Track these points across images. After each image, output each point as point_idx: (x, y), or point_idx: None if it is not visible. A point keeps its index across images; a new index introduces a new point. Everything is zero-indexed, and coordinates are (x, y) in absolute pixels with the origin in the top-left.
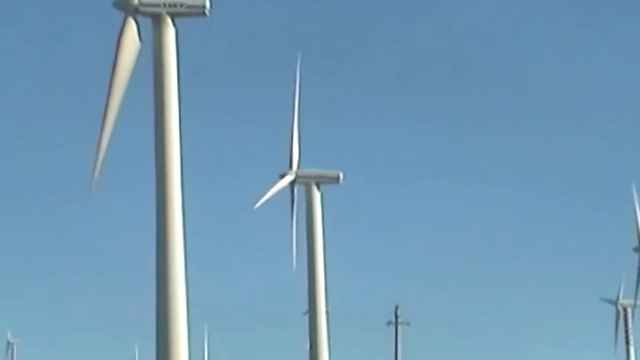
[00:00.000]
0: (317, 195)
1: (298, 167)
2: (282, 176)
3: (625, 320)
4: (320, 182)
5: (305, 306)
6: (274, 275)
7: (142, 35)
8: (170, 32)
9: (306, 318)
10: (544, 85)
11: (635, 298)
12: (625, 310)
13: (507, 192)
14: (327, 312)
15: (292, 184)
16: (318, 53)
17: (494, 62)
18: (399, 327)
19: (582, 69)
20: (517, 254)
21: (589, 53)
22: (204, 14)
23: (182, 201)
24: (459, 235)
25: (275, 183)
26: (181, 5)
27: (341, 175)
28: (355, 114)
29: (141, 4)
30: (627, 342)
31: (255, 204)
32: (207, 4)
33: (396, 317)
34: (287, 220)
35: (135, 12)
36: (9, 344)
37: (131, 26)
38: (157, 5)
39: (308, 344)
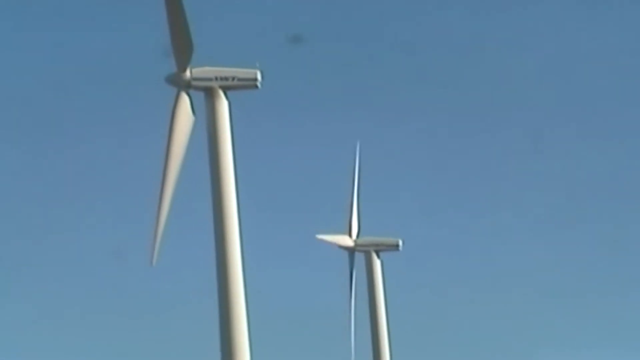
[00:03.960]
0: (377, 263)
1: (358, 235)
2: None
3: None
4: (379, 249)
5: None
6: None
7: (195, 109)
8: (223, 105)
9: None
10: None
11: None
12: None
13: (579, 251)
14: None
15: (351, 253)
16: (373, 119)
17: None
18: None
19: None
20: (595, 319)
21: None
22: (256, 86)
23: (242, 272)
24: (525, 300)
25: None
26: (233, 79)
27: (400, 243)
28: (414, 180)
29: (193, 79)
30: None
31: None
32: (259, 76)
33: None
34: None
35: (187, 86)
36: None
37: (184, 100)
38: (209, 79)
39: None
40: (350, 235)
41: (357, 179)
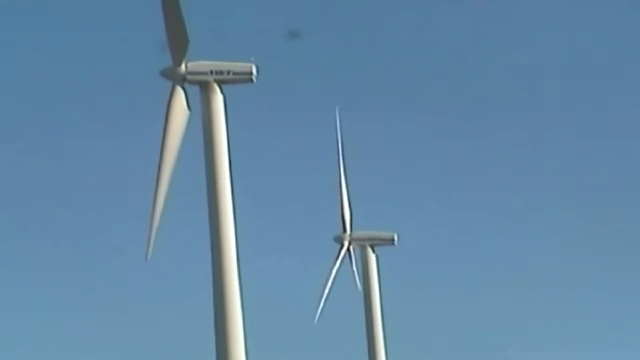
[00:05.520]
0: (372, 258)
1: (352, 229)
2: (336, 239)
3: None
4: (374, 244)
5: None
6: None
7: (190, 103)
8: (218, 99)
9: None
10: None
11: None
12: None
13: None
14: None
15: (347, 246)
16: (370, 114)
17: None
18: None
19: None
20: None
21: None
22: (251, 80)
23: (237, 267)
24: (522, 297)
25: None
26: (228, 73)
27: (396, 237)
28: (409, 175)
29: (189, 73)
30: None
31: (315, 318)
32: (254, 70)
33: None
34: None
35: (183, 80)
36: None
37: (180, 95)
38: (205, 73)
39: None
40: (344, 230)
41: (342, 166)
